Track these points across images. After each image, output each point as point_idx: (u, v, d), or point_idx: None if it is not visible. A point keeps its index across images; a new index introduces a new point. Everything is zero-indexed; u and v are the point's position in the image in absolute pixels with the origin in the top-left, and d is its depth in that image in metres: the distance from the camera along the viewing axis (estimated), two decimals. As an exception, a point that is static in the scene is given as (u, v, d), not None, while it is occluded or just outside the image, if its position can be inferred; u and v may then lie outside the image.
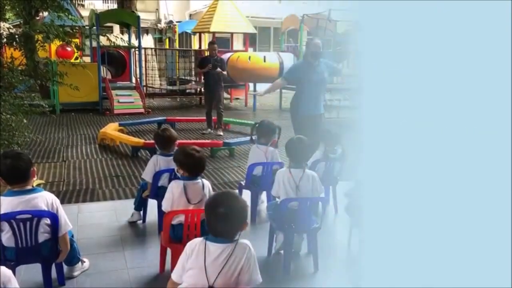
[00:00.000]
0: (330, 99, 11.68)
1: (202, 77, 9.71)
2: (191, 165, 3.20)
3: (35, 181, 3.35)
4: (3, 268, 2.03)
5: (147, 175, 4.06)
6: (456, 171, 1.42)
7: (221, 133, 8.86)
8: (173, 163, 3.91)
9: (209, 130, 9.07)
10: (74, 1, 16.59)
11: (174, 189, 3.21)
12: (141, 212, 4.36)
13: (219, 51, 9.52)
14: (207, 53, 9.58)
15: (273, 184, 3.67)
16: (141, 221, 4.36)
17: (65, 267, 3.21)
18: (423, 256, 1.47)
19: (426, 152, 1.45)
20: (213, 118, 9.12)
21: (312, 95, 5.39)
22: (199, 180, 3.26)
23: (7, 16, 9.04)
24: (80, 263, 3.34)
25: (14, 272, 2.74)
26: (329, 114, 11.92)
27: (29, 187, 2.88)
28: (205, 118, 9.30)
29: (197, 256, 2.14)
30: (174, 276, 2.23)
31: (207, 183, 3.30)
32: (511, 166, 1.34)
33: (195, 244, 2.18)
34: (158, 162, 4.03)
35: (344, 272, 3.56)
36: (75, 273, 3.30)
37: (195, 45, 17.62)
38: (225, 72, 8.87)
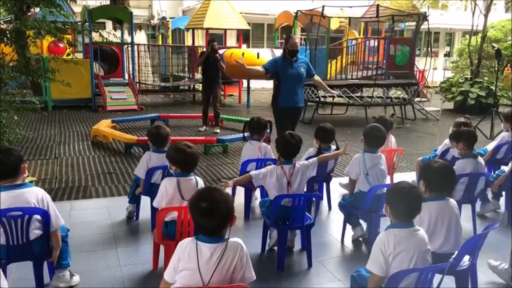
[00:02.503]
0: (324, 96, 11.69)
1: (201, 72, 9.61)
2: (183, 161, 3.18)
3: (27, 178, 3.30)
4: None
5: (139, 171, 4.05)
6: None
7: (218, 131, 8.85)
8: (166, 160, 3.89)
9: (205, 127, 9.05)
10: (66, -3, 16.38)
11: (168, 186, 3.19)
12: (135, 205, 4.35)
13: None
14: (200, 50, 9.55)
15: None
16: (134, 218, 4.34)
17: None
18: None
19: None
20: (209, 115, 9.11)
21: (289, 89, 5.72)
22: (193, 177, 3.24)
23: (-2, 12, 8.94)
24: (68, 273, 3.14)
25: (5, 270, 2.72)
26: (323, 111, 11.98)
27: (19, 182, 2.85)
28: (198, 115, 9.26)
29: (189, 257, 2.11)
30: (166, 276, 2.21)
31: (200, 180, 3.28)
32: None
33: (186, 245, 2.15)
34: (151, 158, 4.02)
35: (338, 268, 3.57)
36: (61, 285, 3.08)
37: (188, 42, 17.53)
38: (224, 65, 8.86)
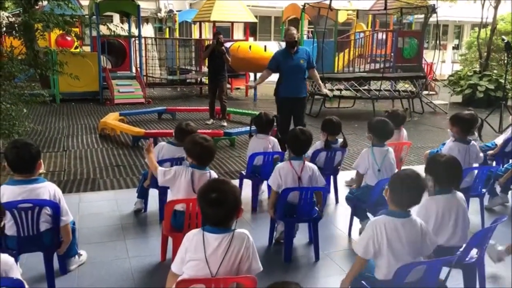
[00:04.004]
0: (331, 89, 11.65)
1: (207, 65, 9.59)
2: (199, 154, 3.16)
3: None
4: (6, 256, 2.03)
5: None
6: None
7: (225, 124, 8.85)
8: (177, 153, 3.90)
9: (212, 120, 9.06)
10: (73, -10, 16.39)
11: (182, 173, 3.17)
12: (143, 200, 4.38)
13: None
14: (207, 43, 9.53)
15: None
16: (142, 210, 4.38)
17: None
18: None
19: None
20: (215, 108, 9.12)
21: (289, 80, 5.92)
22: (208, 171, 3.21)
23: (6, 5, 8.96)
24: (76, 256, 3.33)
25: (16, 261, 2.76)
26: (330, 104, 11.95)
27: (33, 177, 2.87)
28: (205, 108, 9.26)
29: (196, 248, 2.13)
30: (174, 268, 2.23)
31: (214, 174, 3.25)
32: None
33: (192, 236, 2.17)
34: (162, 149, 4.03)
35: (345, 261, 3.57)
36: (72, 267, 3.27)
37: (195, 35, 17.50)
38: (230, 58, 8.86)
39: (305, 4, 11.65)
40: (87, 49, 13.91)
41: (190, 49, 14.83)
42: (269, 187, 4.50)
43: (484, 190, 4.26)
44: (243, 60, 11.62)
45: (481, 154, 4.35)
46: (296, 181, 3.51)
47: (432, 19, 11.40)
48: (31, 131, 7.35)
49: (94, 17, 11.35)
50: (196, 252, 2.13)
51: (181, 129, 3.93)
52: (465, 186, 3.97)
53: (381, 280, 2.41)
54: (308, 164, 3.61)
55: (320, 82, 6.32)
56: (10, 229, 2.82)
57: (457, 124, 4.24)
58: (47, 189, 2.87)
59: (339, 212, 4.63)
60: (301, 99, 6.04)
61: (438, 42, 12.41)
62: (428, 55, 14.63)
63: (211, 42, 9.15)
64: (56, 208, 2.87)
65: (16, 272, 2.07)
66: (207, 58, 9.06)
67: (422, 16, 12.21)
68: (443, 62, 19.59)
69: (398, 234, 2.35)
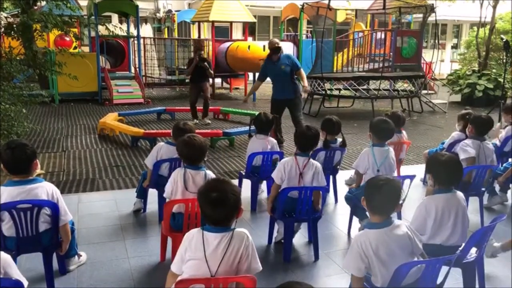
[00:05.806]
0: (330, 89, 11.65)
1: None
2: (187, 153, 3.17)
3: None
4: (3, 253, 2.02)
5: (148, 160, 4.08)
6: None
7: (209, 121, 8.93)
8: (175, 153, 3.90)
9: (195, 120, 9.02)
10: (72, -10, 16.35)
11: (177, 176, 3.18)
12: (143, 201, 4.38)
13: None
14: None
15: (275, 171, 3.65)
16: (142, 210, 4.37)
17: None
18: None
19: None
20: (198, 108, 9.11)
21: (276, 84, 6.78)
22: (203, 171, 3.20)
23: (4, 6, 8.95)
24: (76, 257, 3.33)
25: (15, 261, 2.75)
26: (329, 104, 11.95)
27: (30, 177, 2.87)
28: (202, 108, 9.22)
29: (196, 247, 2.13)
30: (173, 267, 2.23)
31: (210, 173, 3.24)
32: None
33: (192, 235, 2.17)
34: (160, 150, 4.03)
35: (344, 261, 3.57)
36: (71, 267, 3.28)
37: (194, 35, 17.50)
38: (212, 73, 9.02)
39: (303, 3, 11.64)
40: (86, 49, 13.90)
41: (189, 49, 14.79)
42: (268, 186, 4.51)
43: (483, 189, 4.26)
44: (242, 60, 11.62)
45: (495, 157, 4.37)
46: (297, 177, 3.51)
47: (431, 18, 11.42)
48: (30, 131, 7.35)
49: (93, 17, 11.34)
50: (196, 251, 2.13)
51: (179, 129, 3.90)
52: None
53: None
54: (313, 161, 3.62)
55: (305, 80, 6.78)
56: (9, 230, 2.82)
57: (474, 124, 4.30)
58: (45, 189, 2.87)
59: (338, 212, 4.63)
60: (290, 99, 6.66)
61: (437, 41, 12.42)
62: (427, 54, 14.63)
63: (196, 52, 9.07)
64: (55, 208, 2.87)
65: (15, 269, 2.07)
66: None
67: (421, 15, 12.21)
68: (442, 61, 19.57)
69: (386, 244, 2.30)
